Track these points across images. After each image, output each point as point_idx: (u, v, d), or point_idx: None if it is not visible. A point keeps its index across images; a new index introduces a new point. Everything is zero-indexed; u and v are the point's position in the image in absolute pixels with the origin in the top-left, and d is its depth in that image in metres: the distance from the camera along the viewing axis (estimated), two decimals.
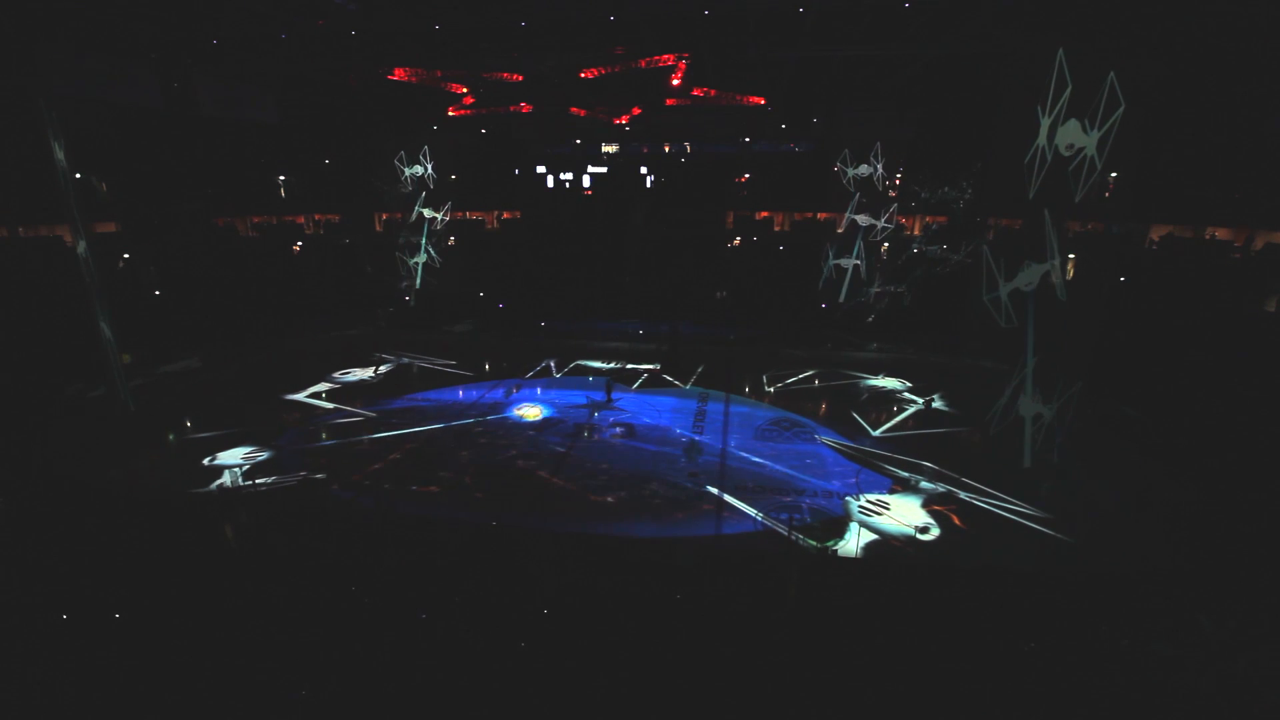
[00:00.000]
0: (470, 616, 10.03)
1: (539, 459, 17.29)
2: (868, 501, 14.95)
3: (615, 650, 9.14)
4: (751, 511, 14.57)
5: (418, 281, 32.54)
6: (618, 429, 19.34)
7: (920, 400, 21.38)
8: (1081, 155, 13.19)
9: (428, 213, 31.71)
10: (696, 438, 18.61)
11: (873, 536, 13.62)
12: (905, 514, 14.47)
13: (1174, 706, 8.43)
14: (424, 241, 31.99)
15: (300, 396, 22.13)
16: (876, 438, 18.67)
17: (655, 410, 20.80)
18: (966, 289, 15.49)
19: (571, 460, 17.23)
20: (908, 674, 8.79)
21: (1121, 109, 12.63)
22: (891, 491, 15.54)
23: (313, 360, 25.93)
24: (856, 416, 20.26)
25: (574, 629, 9.71)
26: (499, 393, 22.68)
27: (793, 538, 13.40)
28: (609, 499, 15.17)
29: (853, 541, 13.35)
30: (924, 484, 15.77)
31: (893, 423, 19.61)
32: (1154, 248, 25.23)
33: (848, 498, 15.16)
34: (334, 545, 12.45)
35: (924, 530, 13.81)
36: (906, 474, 16.28)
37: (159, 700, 8.31)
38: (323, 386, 23.24)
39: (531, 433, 19.05)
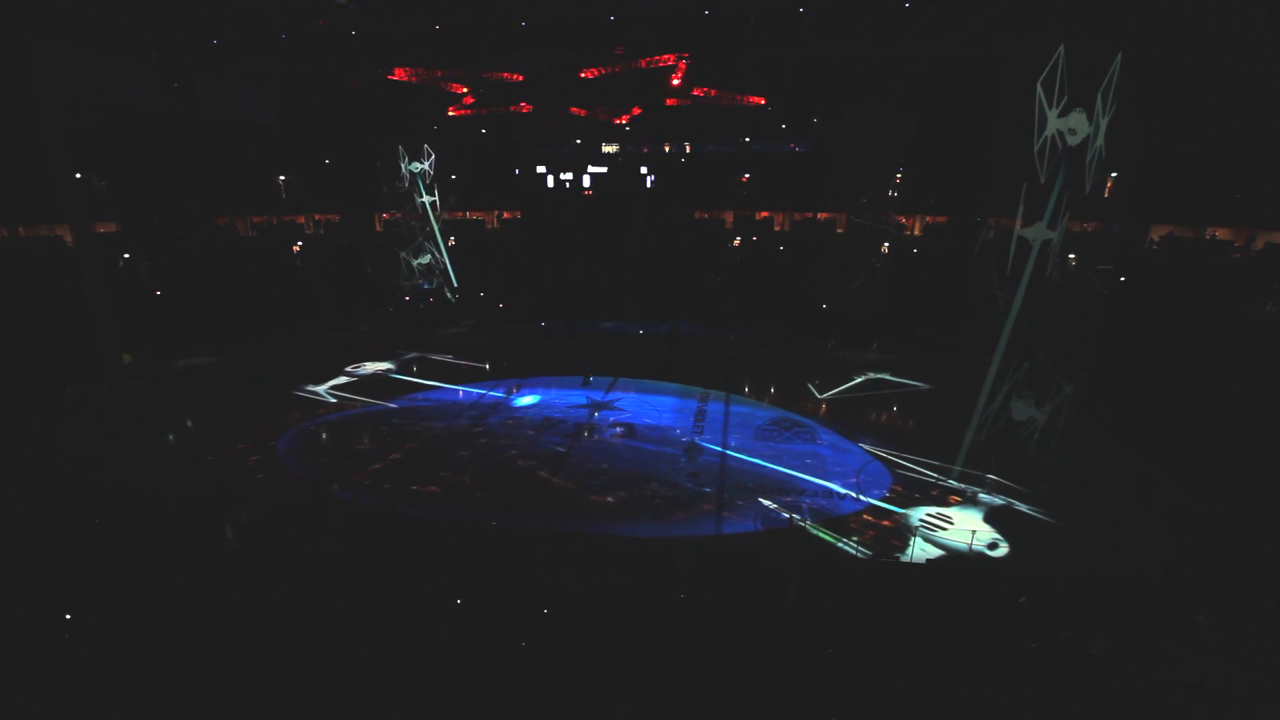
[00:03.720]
0: (470, 616, 10.03)
1: (539, 458, 17.29)
2: (929, 515, 14.47)
3: (616, 650, 9.14)
4: (773, 507, 14.62)
5: (433, 281, 32.50)
6: (618, 429, 19.34)
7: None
8: (1093, 148, 12.92)
9: (427, 198, 31.48)
10: (697, 438, 18.62)
11: (939, 553, 13.09)
12: (969, 527, 13.84)
13: (1174, 706, 8.43)
14: (437, 235, 31.88)
15: (320, 389, 22.57)
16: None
17: (656, 410, 20.81)
18: (964, 286, 15.38)
19: (571, 460, 17.24)
20: (908, 673, 8.79)
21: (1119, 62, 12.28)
22: (893, 490, 15.53)
23: (323, 358, 26.17)
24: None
25: (574, 629, 9.70)
26: (499, 391, 22.70)
27: (799, 523, 13.41)
28: (609, 499, 15.17)
29: (916, 557, 12.87)
30: (982, 495, 15.34)
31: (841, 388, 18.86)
32: (1154, 248, 25.23)
33: (908, 514, 14.54)
34: (334, 544, 12.45)
35: (993, 546, 13.25)
36: (964, 485, 15.78)
37: (159, 700, 8.31)
38: (340, 380, 23.71)
39: (531, 432, 19.05)
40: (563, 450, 17.85)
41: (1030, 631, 9.83)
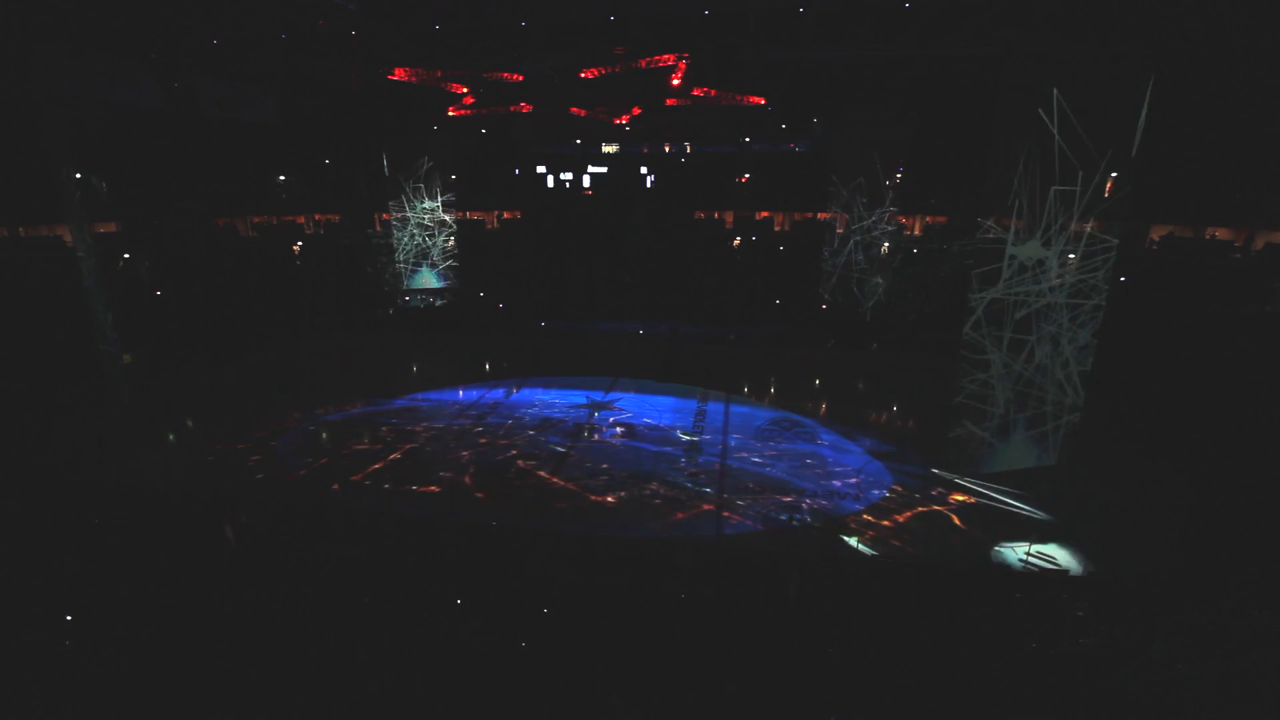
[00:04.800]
0: (470, 616, 10.03)
1: (539, 459, 17.28)
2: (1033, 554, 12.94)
3: (616, 650, 9.14)
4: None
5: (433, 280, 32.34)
6: (618, 429, 19.33)
7: None
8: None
9: (429, 205, 31.36)
10: (697, 438, 18.60)
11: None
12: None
13: (1173, 706, 8.43)
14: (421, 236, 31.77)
15: None
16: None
17: (656, 410, 20.80)
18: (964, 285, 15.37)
19: (571, 460, 17.24)
20: (908, 673, 8.79)
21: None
22: (893, 490, 15.49)
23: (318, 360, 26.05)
24: None
25: (574, 629, 9.70)
26: (499, 393, 22.69)
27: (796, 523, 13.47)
28: (609, 499, 15.17)
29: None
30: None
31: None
32: (1154, 248, 25.23)
33: (1003, 548, 13.13)
34: (334, 545, 12.46)
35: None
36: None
37: (158, 701, 8.31)
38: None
39: (531, 432, 19.06)
40: (563, 450, 17.84)
41: (1030, 631, 9.83)
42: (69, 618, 9.73)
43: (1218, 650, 9.20)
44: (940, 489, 15.68)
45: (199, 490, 15.35)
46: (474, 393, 22.81)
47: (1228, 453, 15.67)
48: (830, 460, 17.30)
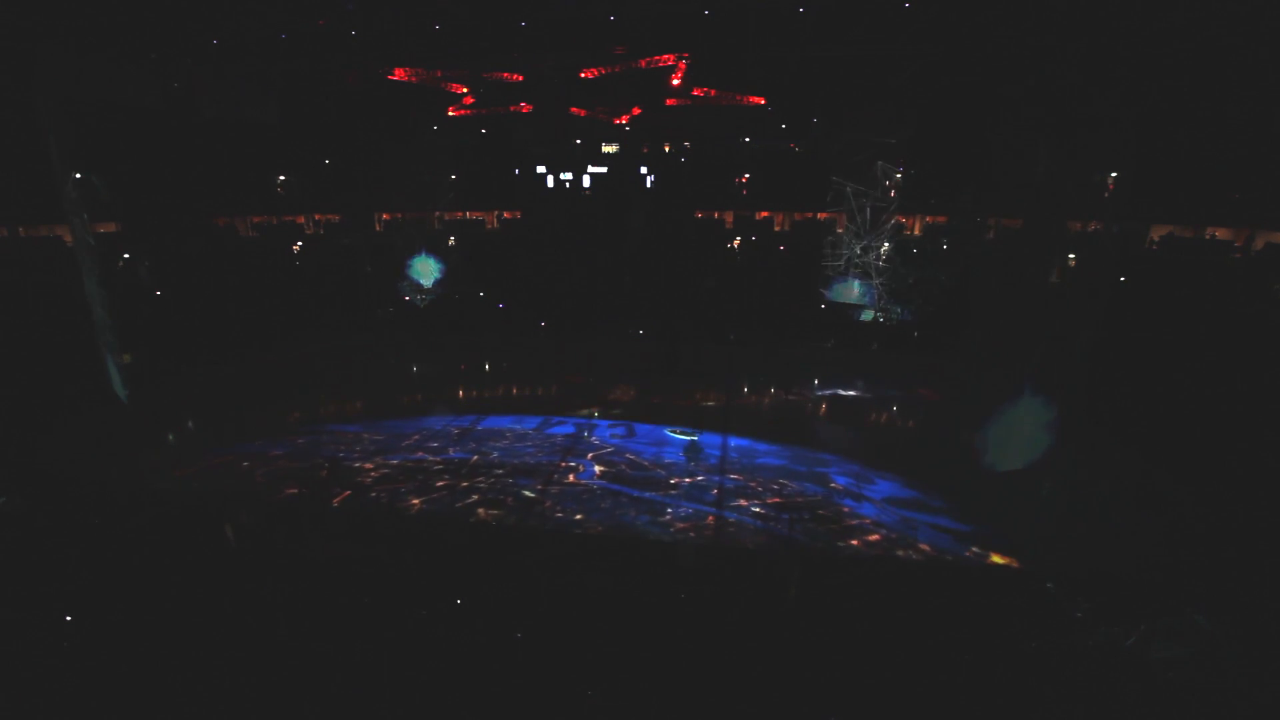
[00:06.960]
0: (468, 616, 10.03)
1: (505, 507, 15.15)
2: None
3: (614, 650, 9.13)
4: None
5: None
6: (619, 429, 19.08)
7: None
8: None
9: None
10: (696, 436, 18.48)
11: None
12: None
13: (1172, 707, 8.43)
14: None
15: None
16: None
17: (646, 437, 19.26)
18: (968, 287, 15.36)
19: (545, 508, 15.18)
20: (908, 673, 8.78)
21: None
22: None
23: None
24: None
25: (572, 628, 9.70)
26: (467, 419, 21.29)
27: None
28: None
29: None
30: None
31: None
32: (1154, 248, 25.24)
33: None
34: (332, 545, 12.46)
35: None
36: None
37: (157, 701, 8.31)
38: None
39: (499, 472, 16.92)
40: (532, 495, 15.75)
41: (1030, 631, 9.83)
42: (69, 618, 9.73)
43: (1217, 650, 9.20)
44: (976, 549, 13.83)
45: (196, 492, 15.35)
46: (439, 421, 20.70)
47: (1227, 453, 15.65)
48: (847, 512, 15.20)
